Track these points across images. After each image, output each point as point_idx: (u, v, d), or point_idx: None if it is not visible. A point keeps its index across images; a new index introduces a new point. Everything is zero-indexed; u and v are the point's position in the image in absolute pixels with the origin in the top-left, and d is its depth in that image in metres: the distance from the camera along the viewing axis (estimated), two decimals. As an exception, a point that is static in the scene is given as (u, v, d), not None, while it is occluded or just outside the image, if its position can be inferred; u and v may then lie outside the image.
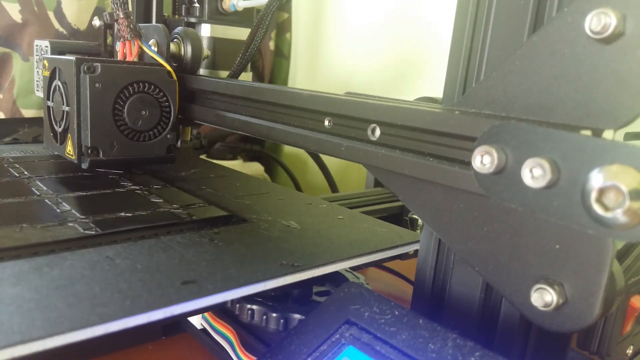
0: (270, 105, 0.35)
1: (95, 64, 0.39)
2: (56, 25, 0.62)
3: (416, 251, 0.29)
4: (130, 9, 0.44)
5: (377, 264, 0.37)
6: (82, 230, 0.30)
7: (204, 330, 0.35)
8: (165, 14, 0.60)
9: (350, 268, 0.31)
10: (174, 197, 0.39)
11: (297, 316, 0.29)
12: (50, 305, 0.21)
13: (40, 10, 0.60)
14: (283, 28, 0.83)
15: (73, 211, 0.33)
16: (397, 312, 0.23)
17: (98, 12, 0.56)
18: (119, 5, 0.42)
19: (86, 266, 0.25)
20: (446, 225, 0.23)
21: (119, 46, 0.45)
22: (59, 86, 0.43)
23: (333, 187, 0.70)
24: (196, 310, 0.24)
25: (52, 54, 0.52)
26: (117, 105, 0.41)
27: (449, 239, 0.23)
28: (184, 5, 0.59)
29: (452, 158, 0.23)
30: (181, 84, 0.45)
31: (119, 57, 0.45)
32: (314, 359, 0.23)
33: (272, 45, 0.82)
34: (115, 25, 0.43)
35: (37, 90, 0.56)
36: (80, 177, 0.43)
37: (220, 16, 0.58)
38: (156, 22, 0.58)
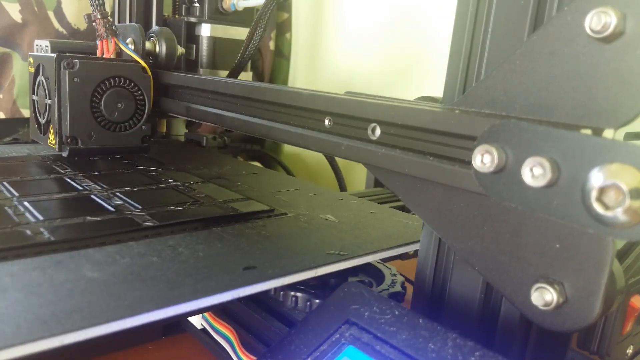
0: (270, 105, 0.35)
1: (74, 60, 0.44)
2: (56, 25, 0.62)
3: (416, 251, 0.29)
4: (107, 10, 0.48)
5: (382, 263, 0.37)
6: (141, 222, 0.32)
7: (204, 330, 0.35)
8: (166, 14, 0.60)
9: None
10: (215, 192, 0.40)
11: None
12: (132, 287, 0.23)
13: (40, 10, 0.60)
14: (283, 28, 0.83)
15: (126, 204, 0.35)
16: (397, 312, 0.23)
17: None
18: (96, 6, 0.46)
19: (154, 254, 0.28)
20: (446, 225, 0.23)
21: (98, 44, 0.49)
22: (42, 81, 0.47)
23: (342, 187, 0.69)
24: (197, 310, 0.24)
25: (52, 53, 0.52)
26: (94, 98, 0.46)
27: (449, 238, 0.23)
28: (184, 5, 0.59)
29: (452, 157, 0.23)
30: (156, 79, 0.49)
31: (98, 54, 0.49)
32: (314, 358, 0.23)
33: (272, 45, 0.82)
34: (95, 25, 0.48)
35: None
36: (121, 173, 0.44)
37: (220, 16, 0.58)
38: (156, 23, 0.58)
